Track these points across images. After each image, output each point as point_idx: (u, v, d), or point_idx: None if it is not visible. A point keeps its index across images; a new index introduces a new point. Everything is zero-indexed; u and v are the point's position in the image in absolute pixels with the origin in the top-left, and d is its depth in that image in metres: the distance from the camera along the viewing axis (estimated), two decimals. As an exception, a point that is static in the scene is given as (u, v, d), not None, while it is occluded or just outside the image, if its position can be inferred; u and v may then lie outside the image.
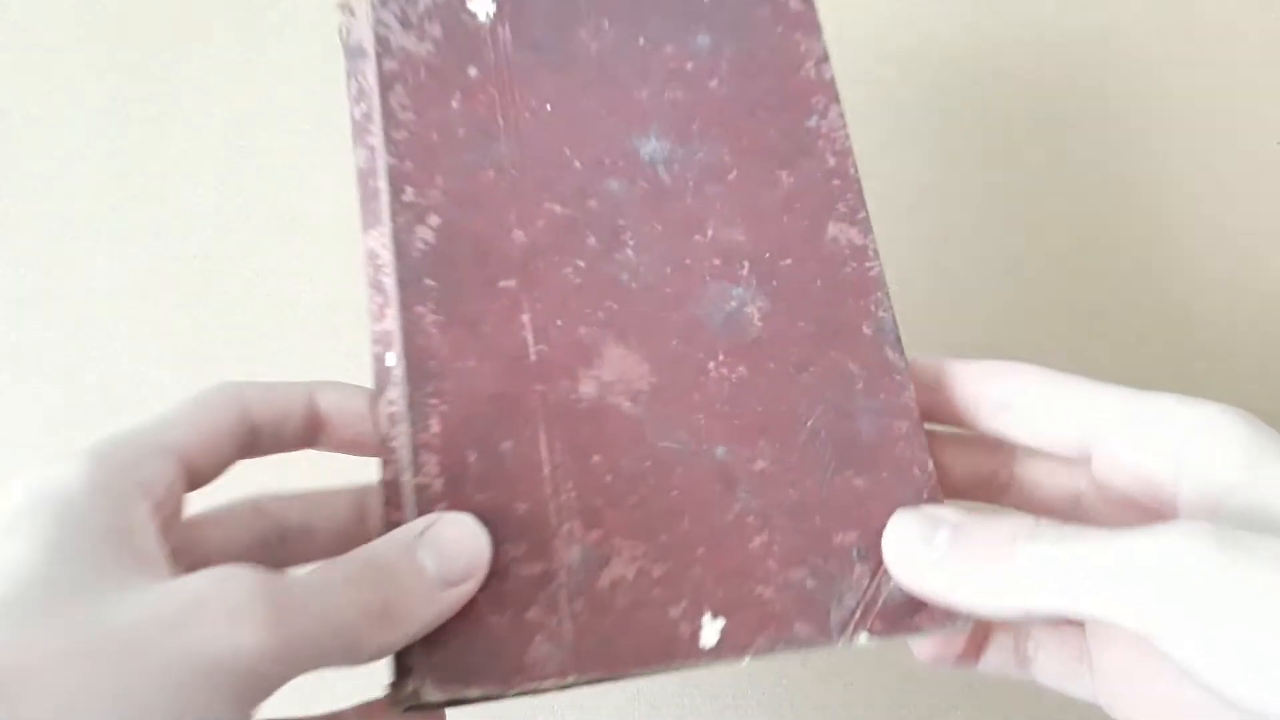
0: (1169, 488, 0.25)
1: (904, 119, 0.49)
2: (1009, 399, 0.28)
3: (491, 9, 0.31)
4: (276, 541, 0.28)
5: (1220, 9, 0.52)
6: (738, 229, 0.29)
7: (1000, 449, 0.30)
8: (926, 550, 0.25)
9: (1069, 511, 0.29)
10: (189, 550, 0.26)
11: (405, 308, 0.27)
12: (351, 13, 0.31)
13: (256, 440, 0.28)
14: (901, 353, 0.29)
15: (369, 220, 0.30)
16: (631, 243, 0.29)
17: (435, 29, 0.30)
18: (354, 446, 0.28)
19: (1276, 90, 0.50)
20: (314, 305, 0.46)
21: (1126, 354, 0.45)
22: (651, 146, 0.30)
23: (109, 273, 0.46)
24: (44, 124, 0.48)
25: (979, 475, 0.30)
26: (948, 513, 0.25)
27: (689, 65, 0.31)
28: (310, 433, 0.28)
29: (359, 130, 0.30)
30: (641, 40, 0.31)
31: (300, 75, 0.49)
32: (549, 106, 0.30)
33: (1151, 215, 0.48)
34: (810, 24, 0.32)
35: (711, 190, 0.29)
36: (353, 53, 0.31)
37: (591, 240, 0.28)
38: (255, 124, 0.48)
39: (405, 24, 0.30)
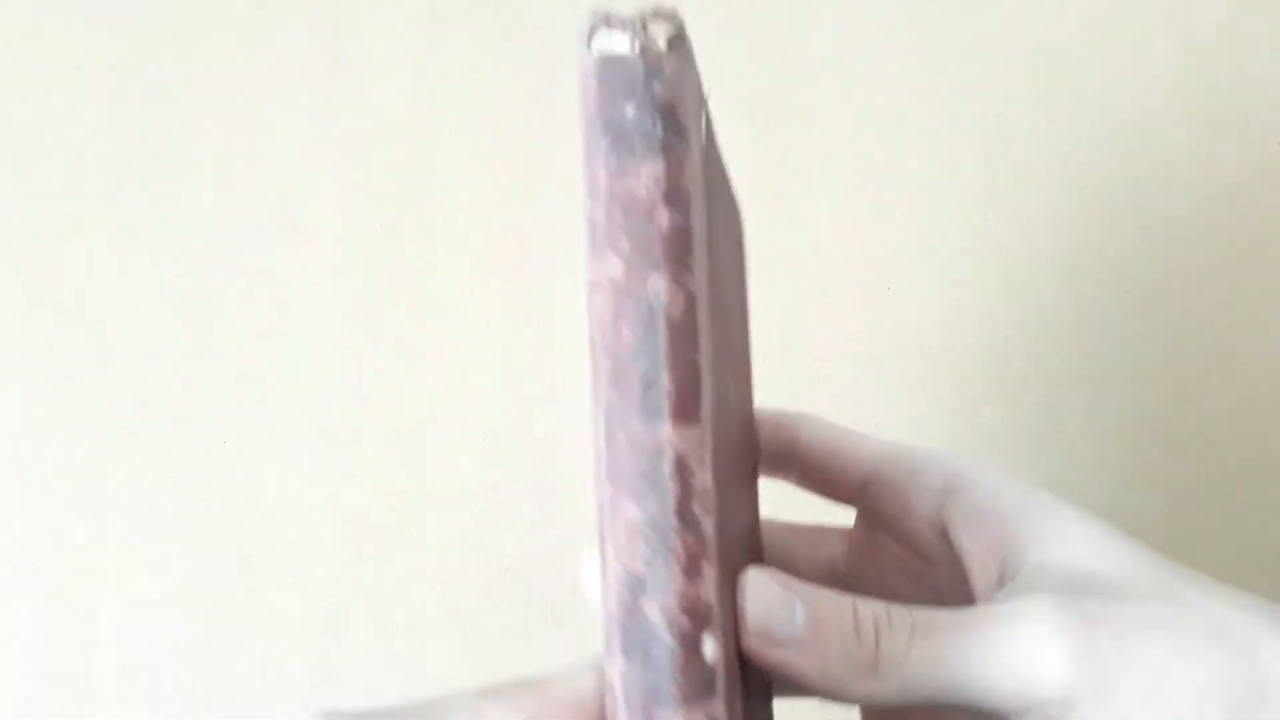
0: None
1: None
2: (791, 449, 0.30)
3: None
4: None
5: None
6: None
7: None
8: (788, 625, 0.22)
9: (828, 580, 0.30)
10: None
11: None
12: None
13: None
14: None
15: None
16: None
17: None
18: None
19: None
20: (314, 306, 0.46)
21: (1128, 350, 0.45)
22: None
23: (109, 273, 0.46)
24: (44, 124, 0.48)
25: None
26: (797, 584, 0.23)
27: None
28: None
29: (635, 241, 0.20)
30: None
31: (300, 75, 0.49)
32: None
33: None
34: None
35: None
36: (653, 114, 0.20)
37: None
38: (255, 124, 0.48)
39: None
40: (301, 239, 0.46)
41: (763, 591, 0.22)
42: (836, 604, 0.23)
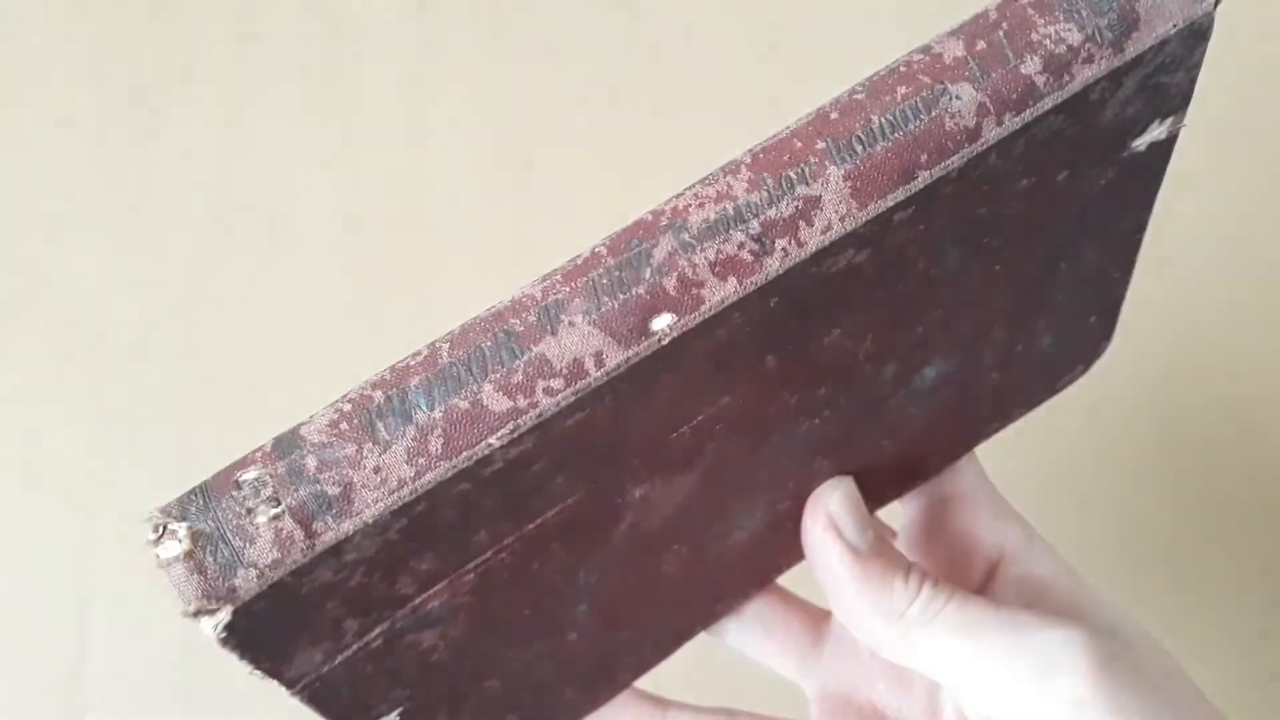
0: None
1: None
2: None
3: None
4: None
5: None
6: None
7: None
8: (857, 534, 0.25)
9: None
10: None
11: None
12: None
13: None
14: None
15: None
16: None
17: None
18: None
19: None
20: (311, 306, 0.46)
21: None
22: None
23: (108, 273, 0.46)
24: (42, 124, 0.48)
25: None
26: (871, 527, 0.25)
27: None
28: None
29: None
30: None
31: (300, 75, 0.49)
32: None
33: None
34: None
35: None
36: None
37: None
38: (254, 124, 0.48)
39: None
40: (301, 239, 0.46)
41: (854, 500, 0.25)
42: (897, 552, 0.25)
